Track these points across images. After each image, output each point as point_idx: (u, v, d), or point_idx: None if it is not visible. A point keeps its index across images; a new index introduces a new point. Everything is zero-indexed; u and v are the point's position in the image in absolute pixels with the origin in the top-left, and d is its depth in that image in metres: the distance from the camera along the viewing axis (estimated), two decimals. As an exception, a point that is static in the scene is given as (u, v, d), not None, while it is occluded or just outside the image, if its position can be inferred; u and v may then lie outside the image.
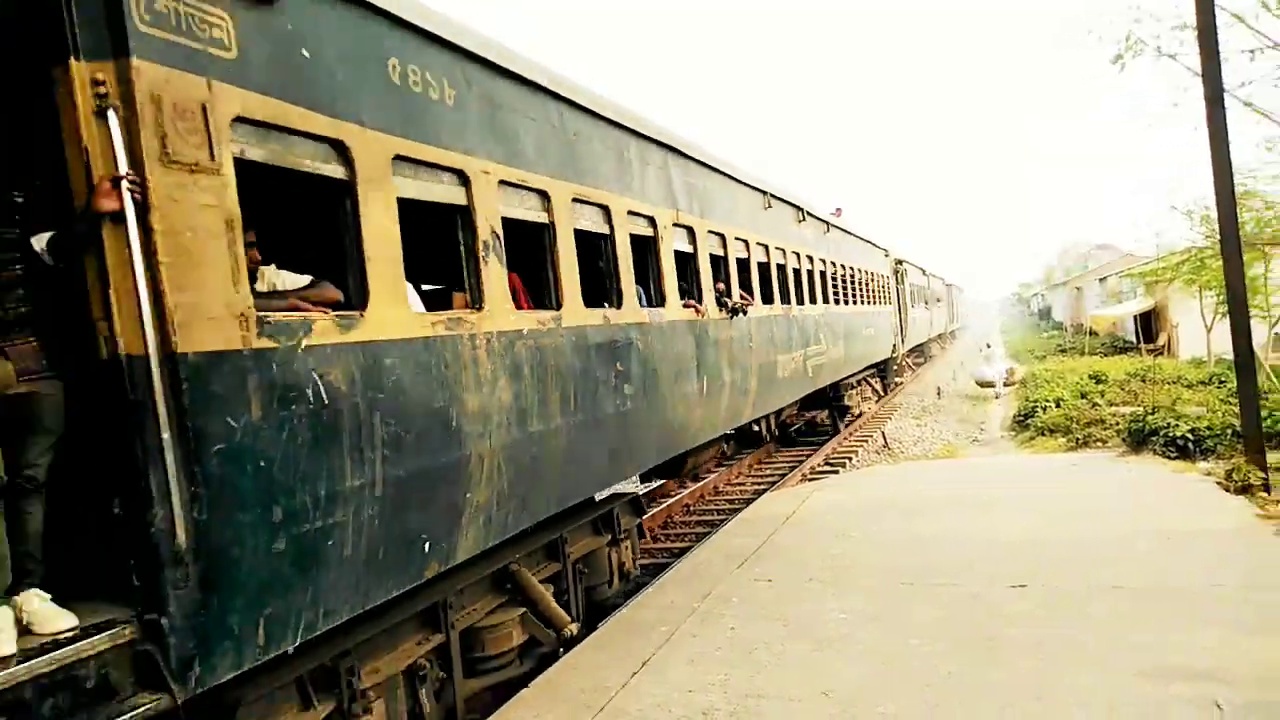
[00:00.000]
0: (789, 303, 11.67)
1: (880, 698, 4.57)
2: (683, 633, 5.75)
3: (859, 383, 19.57)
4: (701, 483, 12.27)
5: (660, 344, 7.07)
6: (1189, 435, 11.21)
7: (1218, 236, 10.22)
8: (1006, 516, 8.31)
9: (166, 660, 2.96)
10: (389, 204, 4.03)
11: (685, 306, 7.79)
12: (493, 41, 5.02)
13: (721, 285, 8.94)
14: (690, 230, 8.17)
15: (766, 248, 10.83)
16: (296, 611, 3.42)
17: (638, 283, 6.91)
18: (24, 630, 2.89)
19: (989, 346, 33.49)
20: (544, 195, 5.51)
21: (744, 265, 9.88)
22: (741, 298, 9.37)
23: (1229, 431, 11.04)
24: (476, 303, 4.69)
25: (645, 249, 7.21)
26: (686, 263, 8.19)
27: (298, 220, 4.22)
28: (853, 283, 17.03)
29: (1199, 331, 23.87)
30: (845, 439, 16.58)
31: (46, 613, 2.92)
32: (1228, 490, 8.64)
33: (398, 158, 4.12)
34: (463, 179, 4.64)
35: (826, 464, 14.07)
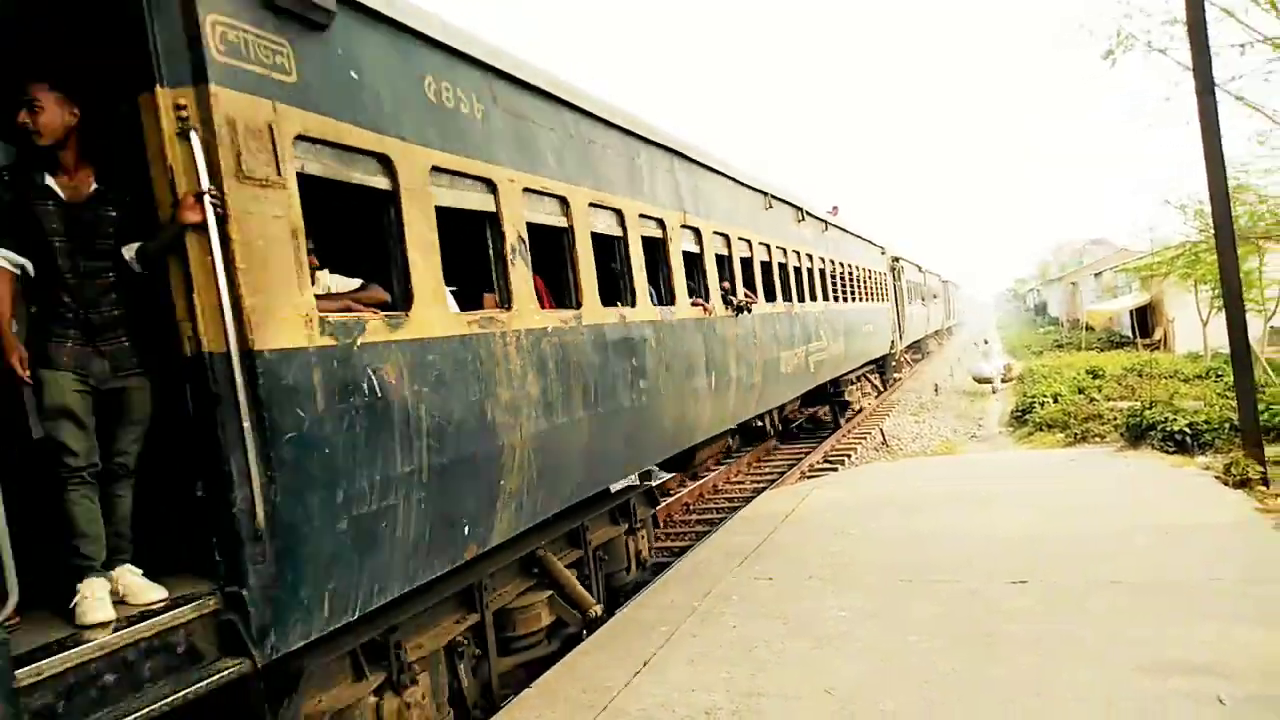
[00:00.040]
0: (791, 300, 11.99)
1: (880, 695, 4.58)
2: (683, 632, 5.75)
3: (859, 378, 19.91)
4: (700, 481, 12.36)
5: (671, 341, 7.39)
6: (1187, 430, 11.20)
7: (1212, 231, 10.31)
8: (1005, 512, 8.32)
9: (247, 628, 3.28)
10: (428, 212, 4.35)
11: (693, 305, 8.11)
12: (516, 58, 5.34)
13: (727, 284, 9.26)
14: (697, 231, 8.49)
15: (768, 247, 11.16)
16: (356, 587, 3.74)
17: (649, 282, 7.23)
18: (119, 601, 3.20)
19: (986, 342, 33.77)
20: (563, 201, 5.83)
21: (747, 264, 10.21)
22: (746, 296, 9.69)
23: (1227, 425, 11.00)
24: (505, 303, 5.01)
25: (655, 250, 7.54)
26: (694, 262, 8.51)
27: (344, 227, 4.52)
28: (851, 280, 17.37)
29: (1195, 326, 24.09)
30: (845, 435, 16.75)
31: (138, 586, 3.23)
32: (1226, 484, 8.63)
33: (434, 169, 4.44)
34: (491, 187, 4.96)
35: (825, 461, 14.19)
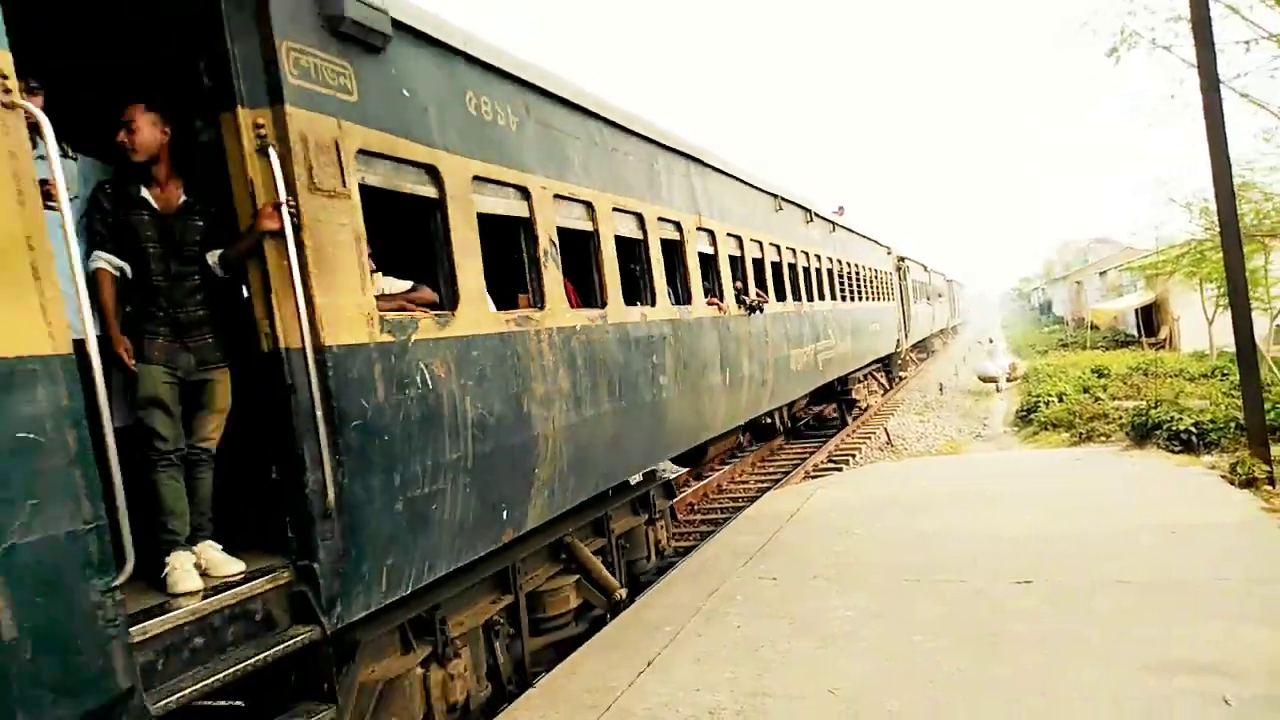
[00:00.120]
0: (800, 300, 12.31)
1: (885, 695, 4.58)
2: (688, 631, 5.77)
3: (865, 377, 20.22)
4: (705, 480, 12.44)
5: (688, 339, 7.71)
6: (1192, 429, 11.12)
7: (1217, 229, 10.15)
8: (1010, 512, 8.31)
9: (317, 599, 3.61)
10: (470, 218, 4.68)
11: (709, 304, 8.43)
12: (546, 71, 5.66)
13: (740, 284, 9.58)
14: (711, 233, 8.81)
15: (779, 248, 11.48)
16: (409, 563, 4.07)
17: (667, 283, 7.55)
18: (201, 574, 3.53)
19: (991, 341, 33.93)
20: (589, 206, 6.15)
21: (759, 265, 10.53)
22: (758, 295, 10.00)
23: (1233, 425, 10.88)
24: (538, 302, 5.34)
25: (673, 252, 7.86)
26: (708, 263, 8.83)
27: (394, 232, 4.85)
28: (858, 280, 17.67)
29: (1200, 324, 23.91)
30: (850, 434, 16.83)
31: (219, 560, 3.56)
32: (1232, 484, 8.60)
33: (476, 178, 4.77)
34: (525, 194, 5.29)
35: (830, 461, 14.26)
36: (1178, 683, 4.38)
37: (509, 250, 5.38)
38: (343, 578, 3.69)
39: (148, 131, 3.44)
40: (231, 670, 3.27)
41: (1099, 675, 4.56)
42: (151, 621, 3.09)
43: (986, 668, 4.80)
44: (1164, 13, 14.10)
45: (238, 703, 3.85)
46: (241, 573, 3.57)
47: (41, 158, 2.77)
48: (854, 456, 14.60)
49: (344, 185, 3.77)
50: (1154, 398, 13.65)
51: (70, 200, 3.04)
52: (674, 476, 9.22)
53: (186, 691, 3.08)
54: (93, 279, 3.28)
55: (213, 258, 3.55)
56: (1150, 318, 33.54)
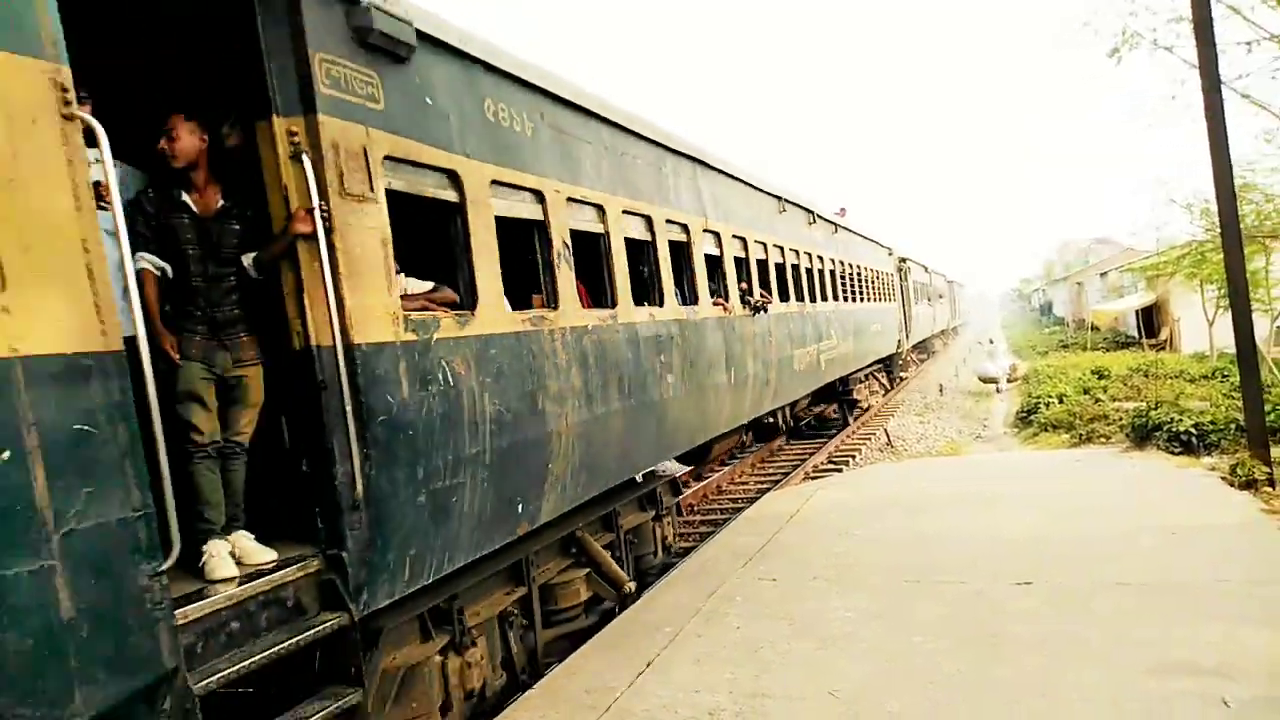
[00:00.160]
0: (803, 300, 12.47)
1: (885, 696, 4.58)
2: (688, 632, 5.77)
3: (867, 377, 20.38)
4: (705, 481, 12.40)
5: (695, 338, 7.87)
6: (1193, 430, 11.11)
7: (1218, 230, 10.17)
8: (1010, 514, 8.31)
9: (346, 586, 3.77)
10: (489, 221, 4.84)
11: (715, 305, 8.59)
12: (559, 78, 5.82)
13: (744, 285, 9.74)
14: (717, 235, 8.97)
15: (782, 249, 11.64)
16: (431, 553, 4.23)
17: (674, 284, 7.71)
18: (235, 562, 3.69)
19: (991, 342, 34.01)
20: (600, 209, 6.31)
21: (763, 266, 10.69)
22: (762, 296, 10.16)
23: (1233, 426, 10.86)
24: (552, 303, 5.50)
25: (680, 253, 8.02)
26: (714, 264, 8.99)
27: (411, 233, 5.01)
28: (860, 281, 17.83)
29: (1201, 325, 23.83)
30: (850, 435, 16.83)
31: (252, 549, 3.72)
32: (1232, 485, 8.61)
33: (494, 182, 4.93)
34: (539, 198, 5.45)
35: (829, 462, 14.25)
36: (1177, 684, 4.39)
37: (523, 251, 5.54)
38: (369, 566, 3.85)
39: (187, 139, 3.60)
40: (266, 654, 3.42)
41: (1099, 677, 4.56)
42: (192, 606, 3.25)
43: (986, 669, 4.81)
44: (1165, 13, 14.12)
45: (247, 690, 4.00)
46: (273, 561, 3.73)
47: (98, 161, 2.92)
48: (854, 458, 14.65)
49: (371, 190, 3.93)
50: (1154, 399, 13.68)
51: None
52: (678, 475, 9.40)
53: (225, 673, 3.24)
54: (136, 279, 3.44)
55: (248, 260, 3.71)
56: (1151, 319, 33.64)
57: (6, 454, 2.53)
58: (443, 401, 4.26)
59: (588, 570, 6.30)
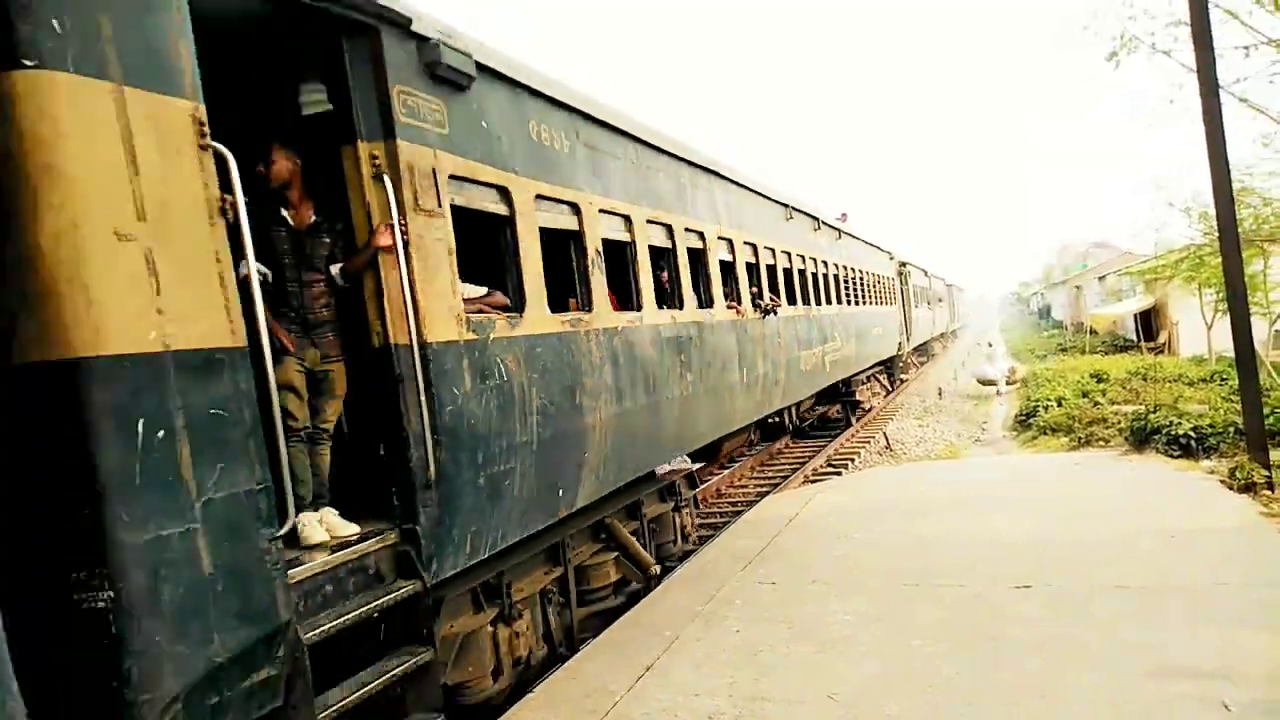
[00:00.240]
0: (809, 304, 12.98)
1: (884, 699, 4.60)
2: (687, 636, 5.79)
3: (868, 379, 20.87)
4: (704, 485, 12.34)
5: (711, 340, 8.37)
6: (1191, 433, 11.12)
7: (1216, 233, 10.21)
8: (1009, 517, 8.31)
9: (419, 557, 4.26)
10: (534, 232, 5.34)
11: (729, 308, 9.09)
12: (591, 99, 6.33)
13: (755, 289, 10.24)
14: (730, 242, 9.48)
15: (789, 254, 12.16)
16: (488, 531, 4.72)
17: (693, 288, 8.21)
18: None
19: (990, 345, 34.30)
20: (627, 219, 6.82)
21: (772, 271, 11.20)
22: (771, 299, 10.67)
23: (1232, 429, 10.84)
24: (586, 306, 6.00)
25: (697, 259, 8.52)
26: (728, 270, 9.49)
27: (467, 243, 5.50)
28: (862, 285, 18.35)
29: (1199, 329, 23.72)
30: (849, 439, 16.92)
31: (338, 523, 4.21)
32: (1231, 488, 8.60)
33: (538, 196, 5.43)
34: (576, 210, 5.95)
35: (829, 465, 14.31)
36: (1177, 687, 4.40)
37: (560, 258, 6.03)
38: (438, 540, 4.34)
39: (281, 163, 4.11)
40: (356, 613, 3.92)
41: (1098, 680, 4.57)
42: (296, 569, 3.74)
43: (986, 672, 4.83)
44: (1164, 17, 14.22)
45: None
46: (356, 534, 4.22)
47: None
48: (853, 461, 14.74)
49: (439, 206, 4.43)
50: (1153, 402, 13.71)
51: None
52: (693, 470, 9.87)
53: (325, 627, 3.74)
54: (245, 283, 3.93)
55: (335, 269, 4.21)
56: (1149, 322, 33.87)
57: (162, 432, 3.02)
58: (498, 394, 4.75)
59: (616, 554, 6.79)
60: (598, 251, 6.17)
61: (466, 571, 4.81)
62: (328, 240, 4.20)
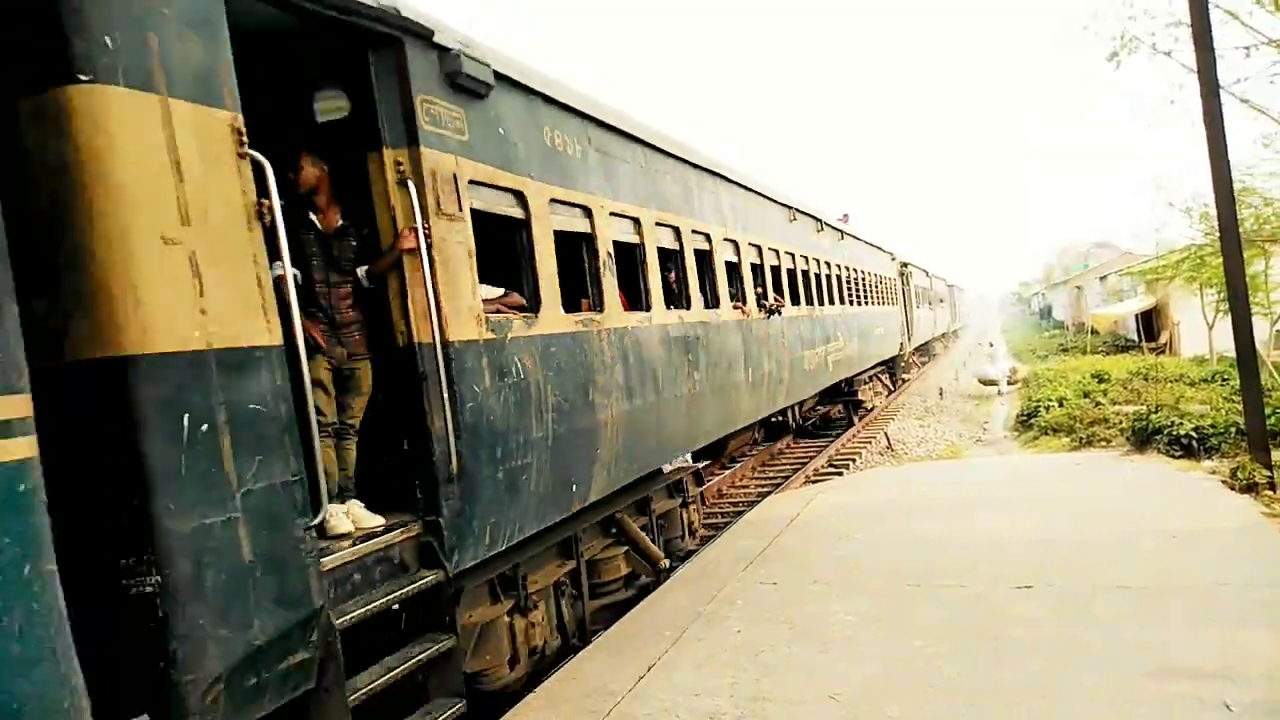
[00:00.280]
0: (812, 304, 13.15)
1: (886, 700, 4.59)
2: (688, 636, 5.79)
3: (870, 378, 21.03)
4: (705, 485, 12.09)
5: (717, 340, 8.53)
6: (1193, 434, 11.08)
7: (1217, 234, 10.22)
8: (1010, 517, 8.29)
9: (441, 548, 4.42)
10: (548, 235, 5.51)
11: (734, 308, 9.26)
12: (602, 105, 6.50)
13: (760, 289, 10.41)
14: (735, 243, 9.65)
15: (793, 255, 12.33)
16: (506, 523, 4.89)
17: (699, 288, 8.37)
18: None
19: (991, 345, 34.34)
20: (636, 221, 6.98)
21: (776, 271, 11.37)
22: (776, 300, 10.83)
23: (1233, 429, 10.79)
24: (598, 306, 6.16)
25: (703, 260, 8.69)
26: (733, 270, 9.66)
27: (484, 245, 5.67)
28: (864, 285, 18.51)
29: (1201, 329, 23.76)
30: (850, 439, 16.91)
31: (363, 515, 4.38)
32: (1233, 489, 8.58)
33: (552, 200, 5.60)
34: (588, 213, 6.12)
35: (830, 466, 14.29)
36: (1178, 687, 4.39)
37: (573, 260, 6.20)
38: (459, 532, 4.51)
39: (309, 170, 4.28)
40: (382, 600, 4.08)
41: (1100, 680, 4.58)
42: (327, 558, 3.91)
43: (987, 672, 4.83)
44: (1164, 17, 14.30)
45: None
46: (381, 525, 4.38)
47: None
48: (854, 461, 14.74)
49: (460, 210, 4.60)
50: (1154, 402, 13.71)
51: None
52: (700, 467, 10.03)
53: (355, 613, 3.90)
54: (278, 284, 4.10)
55: (361, 271, 4.38)
56: (1150, 322, 33.89)
57: (205, 426, 3.19)
58: (515, 391, 4.92)
59: (627, 548, 6.95)
60: (609, 253, 6.34)
61: (484, 563, 4.98)
62: (354, 243, 4.37)
